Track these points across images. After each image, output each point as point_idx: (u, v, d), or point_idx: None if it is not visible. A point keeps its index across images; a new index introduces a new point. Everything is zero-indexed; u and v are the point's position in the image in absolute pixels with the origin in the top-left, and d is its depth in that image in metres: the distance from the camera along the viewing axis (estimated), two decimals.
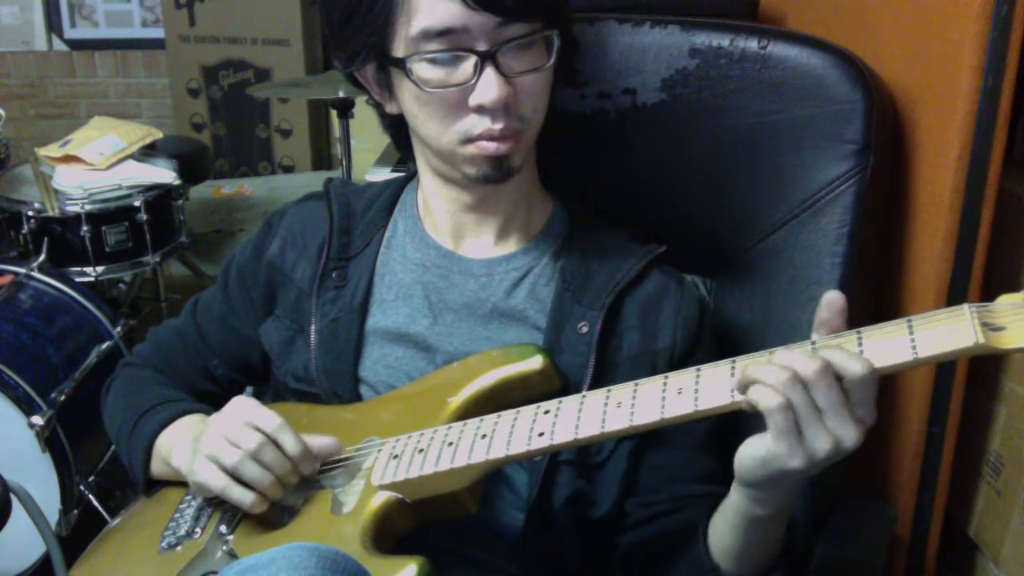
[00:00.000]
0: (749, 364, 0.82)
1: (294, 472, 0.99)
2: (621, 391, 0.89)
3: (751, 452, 0.84)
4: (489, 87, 0.96)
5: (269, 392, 1.21)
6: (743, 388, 0.81)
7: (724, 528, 0.94)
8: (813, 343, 0.81)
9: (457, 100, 0.98)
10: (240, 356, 1.22)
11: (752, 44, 1.14)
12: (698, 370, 0.86)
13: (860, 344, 0.79)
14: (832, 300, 0.82)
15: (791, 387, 0.78)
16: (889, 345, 0.77)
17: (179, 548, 1.04)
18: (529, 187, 1.12)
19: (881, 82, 1.13)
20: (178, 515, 1.09)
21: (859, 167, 1.09)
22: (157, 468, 1.14)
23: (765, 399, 0.79)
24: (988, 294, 1.15)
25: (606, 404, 0.88)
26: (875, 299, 1.22)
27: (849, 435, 0.78)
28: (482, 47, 0.96)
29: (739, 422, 0.91)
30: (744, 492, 0.89)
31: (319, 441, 1.01)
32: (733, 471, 0.88)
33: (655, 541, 1.04)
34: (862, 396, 0.78)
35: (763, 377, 0.79)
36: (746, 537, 0.92)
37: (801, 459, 0.80)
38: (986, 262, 1.13)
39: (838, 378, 0.78)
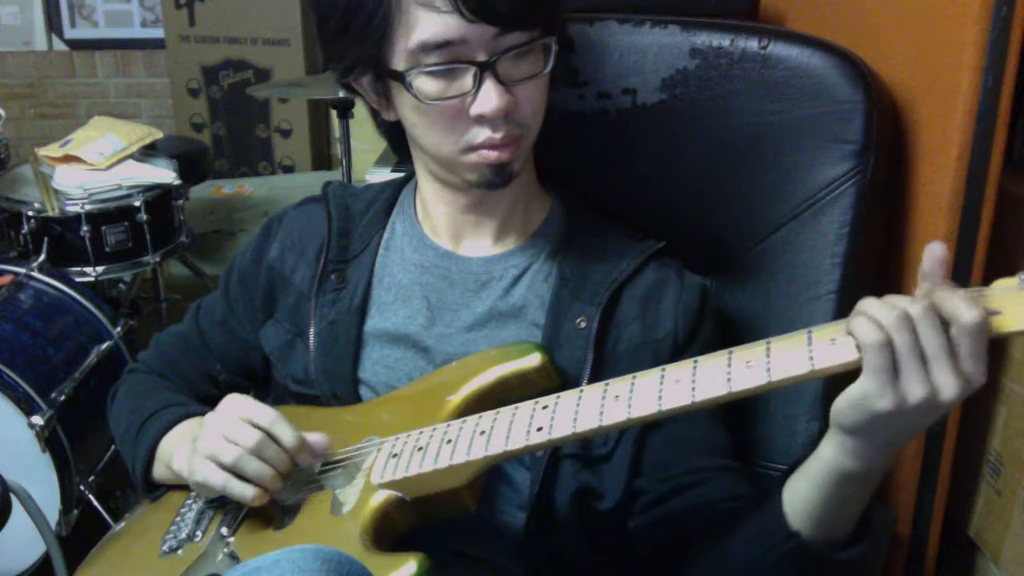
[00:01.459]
0: (865, 299, 0.78)
1: (292, 463, 0.99)
2: (619, 384, 0.88)
3: (846, 393, 0.80)
4: (489, 97, 0.96)
5: (271, 395, 1.21)
6: (853, 316, 0.78)
7: (806, 486, 0.87)
8: (808, 331, 0.80)
9: (457, 110, 0.98)
10: (242, 360, 1.22)
11: (752, 44, 1.14)
12: (695, 361, 0.85)
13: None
14: (934, 250, 0.78)
15: (897, 325, 0.75)
16: None
17: (180, 551, 1.04)
18: (527, 186, 1.12)
19: (881, 82, 1.13)
20: (179, 519, 1.09)
21: (859, 167, 1.09)
22: (160, 472, 1.15)
23: (864, 334, 0.76)
24: None
25: (604, 397, 0.88)
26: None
27: (949, 386, 0.75)
28: (481, 57, 0.96)
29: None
30: (836, 441, 0.83)
31: (310, 438, 1.01)
32: (744, 447, 0.84)
33: (680, 517, 1.00)
34: (970, 348, 0.75)
35: (872, 311, 0.76)
36: (830, 495, 0.85)
37: (891, 400, 0.76)
38: (986, 262, 1.13)
39: (946, 325, 0.75)
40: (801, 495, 0.87)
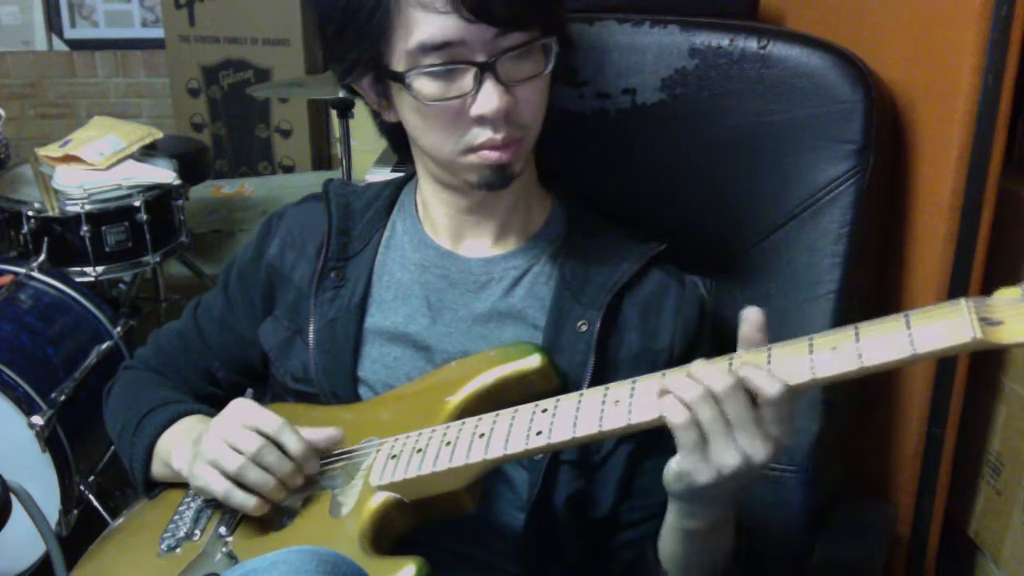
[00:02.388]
0: (671, 375, 0.84)
1: (298, 473, 0.99)
2: (619, 389, 0.89)
3: (669, 467, 0.86)
4: (489, 98, 0.96)
5: (269, 393, 1.21)
6: (661, 394, 0.83)
7: (666, 538, 0.97)
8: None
9: (457, 111, 0.98)
10: (240, 358, 1.22)
11: (752, 44, 1.14)
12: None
13: (857, 339, 0.78)
14: (749, 315, 0.83)
15: (700, 403, 0.80)
16: (887, 340, 0.77)
17: (178, 550, 1.04)
18: (527, 187, 1.12)
19: (881, 82, 1.13)
20: (177, 517, 1.09)
21: (859, 167, 1.09)
22: (158, 470, 1.14)
23: (671, 414, 0.81)
24: (988, 294, 1.15)
25: (603, 402, 0.88)
26: (875, 299, 1.22)
27: (758, 452, 0.80)
28: (481, 58, 0.96)
29: None
30: (673, 507, 0.92)
31: (322, 434, 1.01)
32: None
33: (641, 543, 1.04)
34: (776, 414, 0.79)
35: (675, 389, 0.81)
36: (684, 548, 0.95)
37: (708, 474, 0.82)
38: (986, 262, 1.13)
39: (752, 395, 0.79)
40: (665, 547, 0.98)
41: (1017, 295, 0.75)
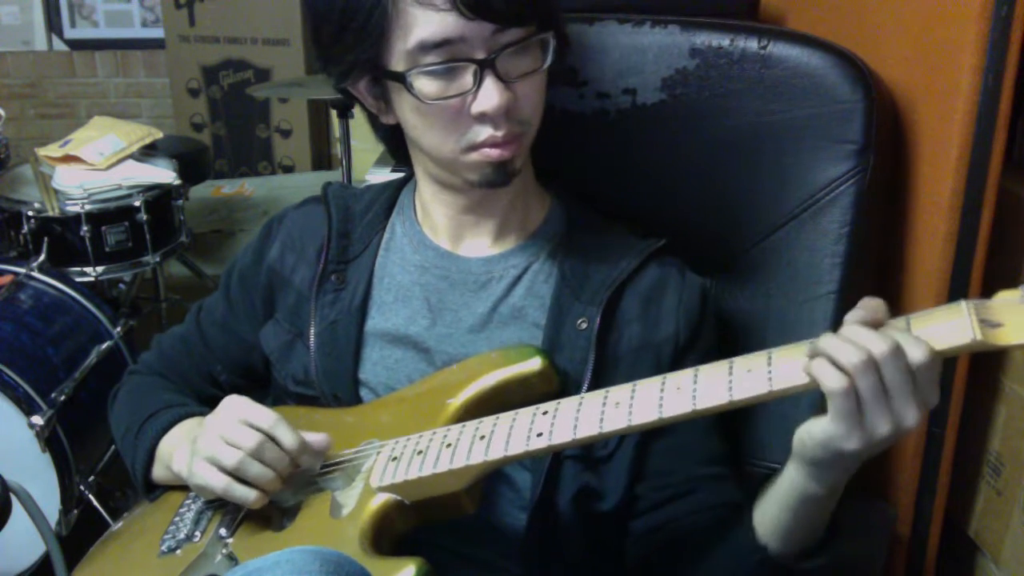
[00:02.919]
0: (824, 337, 0.79)
1: (293, 465, 0.99)
2: (619, 391, 0.89)
3: (811, 431, 0.82)
4: (490, 95, 0.96)
5: (270, 396, 1.21)
6: (812, 357, 0.79)
7: (774, 506, 0.91)
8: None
9: (457, 110, 0.98)
10: (243, 361, 1.22)
11: (752, 44, 1.14)
12: (696, 370, 0.86)
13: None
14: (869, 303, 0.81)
15: (863, 370, 0.76)
16: None
17: (179, 551, 1.04)
18: (526, 185, 1.12)
19: (881, 82, 1.13)
20: (178, 519, 1.09)
21: (859, 167, 1.09)
22: (159, 472, 1.15)
23: (830, 380, 0.77)
24: (988, 294, 1.14)
25: (604, 404, 0.88)
26: None
27: (911, 416, 0.78)
28: (480, 55, 0.96)
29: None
30: (801, 470, 0.87)
31: (311, 438, 1.01)
32: (739, 452, 0.86)
33: (671, 523, 1.03)
34: (928, 376, 0.77)
35: (836, 354, 0.78)
36: (796, 516, 0.90)
37: (859, 440, 0.79)
38: (986, 262, 1.13)
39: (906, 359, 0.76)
40: (769, 514, 0.92)
41: (1017, 297, 0.76)
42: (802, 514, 0.90)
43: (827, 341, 0.79)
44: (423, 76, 0.97)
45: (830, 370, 0.78)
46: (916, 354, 0.76)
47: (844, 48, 1.13)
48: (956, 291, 1.13)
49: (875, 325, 0.80)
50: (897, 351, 0.76)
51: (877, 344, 0.77)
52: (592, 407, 0.89)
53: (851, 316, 0.81)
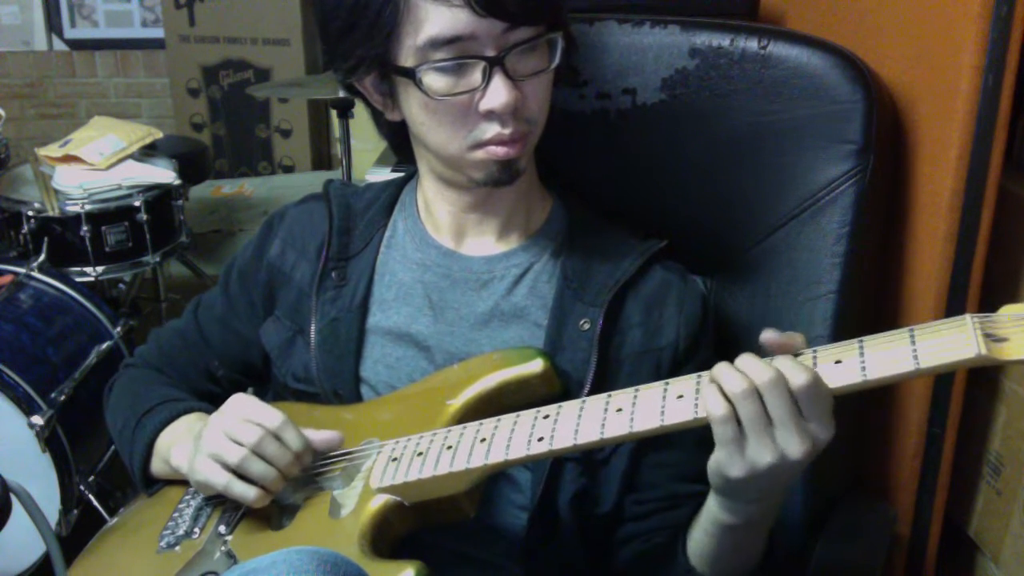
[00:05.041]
0: (719, 364, 0.82)
1: (296, 465, 0.99)
2: (621, 396, 0.89)
3: (710, 461, 0.85)
4: (499, 92, 0.96)
5: (270, 392, 1.21)
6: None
7: (698, 532, 0.96)
8: (814, 351, 0.82)
9: (465, 107, 0.98)
10: (241, 357, 1.22)
11: (752, 44, 1.14)
12: (699, 376, 0.86)
13: (861, 353, 0.79)
14: (767, 337, 0.83)
15: (743, 397, 0.79)
16: (891, 355, 0.77)
17: (177, 548, 1.04)
18: (529, 185, 1.12)
19: (881, 82, 1.13)
20: (177, 515, 1.09)
21: (859, 167, 1.09)
22: (157, 467, 1.14)
23: (712, 406, 0.80)
24: (988, 294, 1.15)
25: (606, 409, 0.88)
26: (875, 299, 1.22)
27: (795, 448, 0.79)
28: (490, 53, 0.96)
29: None
30: (713, 498, 0.91)
31: (321, 435, 1.01)
32: None
33: (643, 537, 1.05)
34: (813, 410, 0.79)
35: (721, 380, 0.80)
36: (718, 543, 0.94)
37: (741, 469, 0.81)
38: (986, 262, 1.13)
39: (790, 389, 0.78)
40: (694, 538, 0.98)
41: (1022, 311, 0.75)
42: (724, 542, 0.93)
43: (718, 368, 0.81)
44: (432, 72, 0.97)
45: (714, 396, 0.80)
46: (798, 380, 0.78)
47: (844, 48, 1.13)
48: (956, 291, 1.13)
49: (788, 352, 0.81)
50: (778, 379, 0.78)
51: (760, 372, 0.78)
52: (594, 412, 0.89)
53: (763, 336, 0.82)
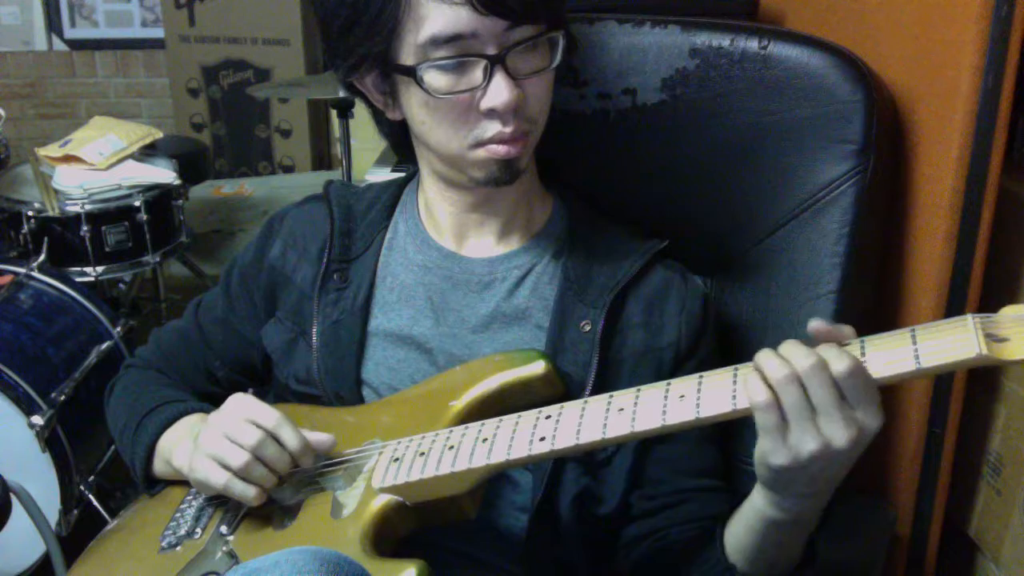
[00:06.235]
0: (761, 351, 0.80)
1: (294, 465, 0.99)
2: (623, 397, 0.89)
3: (756, 448, 0.83)
4: (500, 91, 0.96)
5: (271, 394, 1.21)
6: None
7: (739, 527, 0.93)
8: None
9: (467, 105, 0.98)
10: (241, 358, 1.22)
11: (752, 44, 1.14)
12: (700, 376, 0.86)
13: (863, 353, 0.79)
14: (816, 326, 0.81)
15: (785, 383, 0.77)
16: (892, 354, 0.77)
17: (179, 548, 1.04)
18: (530, 185, 1.12)
19: (881, 82, 1.13)
20: (178, 515, 1.09)
21: (859, 167, 1.09)
22: (159, 468, 1.15)
23: (753, 393, 0.79)
24: (988, 294, 1.15)
25: (608, 409, 0.88)
26: (875, 299, 1.22)
27: (839, 436, 0.77)
28: (491, 51, 0.96)
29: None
30: (759, 492, 0.88)
31: (315, 437, 1.01)
32: (737, 450, 0.86)
33: (659, 533, 1.04)
34: (858, 397, 0.77)
35: (763, 367, 0.79)
36: (760, 538, 0.91)
37: (785, 456, 0.79)
38: (986, 262, 1.13)
39: (832, 376, 0.77)
40: (736, 534, 0.94)
41: (1023, 312, 0.75)
42: (768, 538, 0.90)
43: (761, 355, 0.80)
44: (433, 70, 0.97)
45: (756, 383, 0.79)
46: (840, 366, 0.76)
47: (844, 48, 1.13)
48: (956, 291, 1.13)
49: (834, 341, 0.80)
50: (820, 365, 0.77)
51: (802, 358, 0.77)
52: (596, 412, 0.89)
53: (811, 325, 0.81)
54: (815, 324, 0.81)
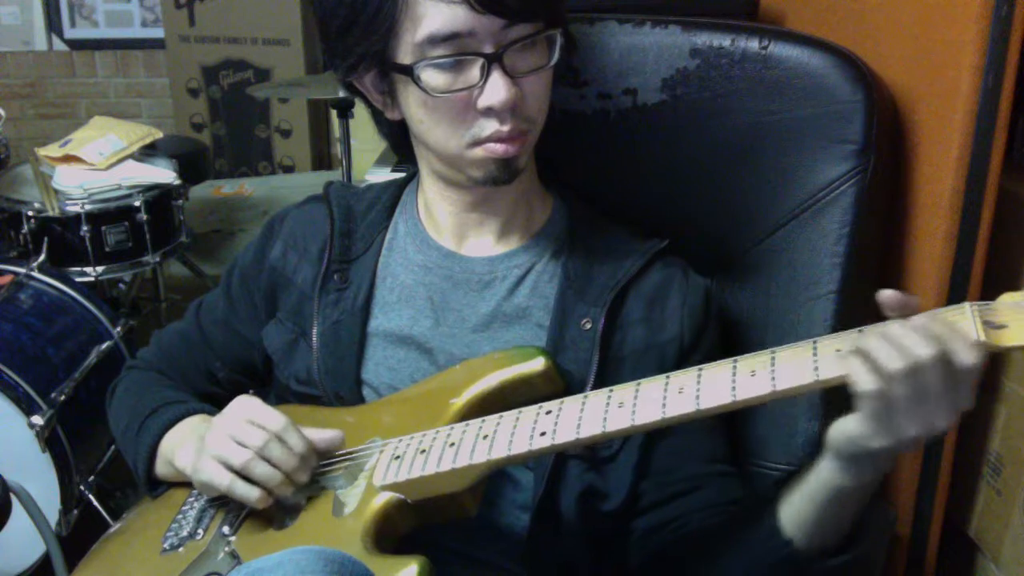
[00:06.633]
0: (874, 330, 0.77)
1: (300, 469, 0.99)
2: (623, 391, 0.89)
3: (843, 427, 0.81)
4: (497, 89, 0.96)
5: (272, 394, 1.21)
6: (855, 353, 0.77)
7: (801, 499, 0.90)
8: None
9: (464, 104, 0.98)
10: (242, 358, 1.22)
11: (753, 44, 1.14)
12: (700, 369, 0.86)
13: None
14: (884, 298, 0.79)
15: (903, 377, 0.74)
16: None
17: (181, 549, 1.04)
18: (529, 185, 1.12)
19: (881, 82, 1.14)
20: (181, 516, 1.09)
21: (859, 167, 1.10)
22: (162, 469, 1.15)
23: (864, 383, 0.76)
24: (988, 294, 1.14)
25: (608, 404, 0.88)
26: (875, 299, 1.22)
27: (943, 420, 0.76)
28: (488, 49, 0.96)
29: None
30: (832, 464, 0.85)
31: (324, 435, 1.01)
32: (740, 450, 0.85)
33: (676, 521, 1.03)
34: (969, 384, 0.75)
35: (878, 357, 0.75)
36: (824, 511, 0.88)
37: (887, 440, 0.78)
38: (986, 262, 1.13)
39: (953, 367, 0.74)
40: (797, 507, 0.90)
41: (1021, 299, 0.76)
42: (831, 509, 0.88)
43: (871, 341, 0.76)
44: (430, 69, 0.97)
45: (865, 373, 0.76)
46: (964, 359, 0.74)
47: (844, 48, 1.13)
48: (956, 291, 1.13)
49: (910, 313, 0.78)
50: (944, 359, 0.74)
51: (923, 349, 0.74)
52: (596, 406, 0.89)
53: (882, 295, 0.77)
54: (886, 294, 0.78)
